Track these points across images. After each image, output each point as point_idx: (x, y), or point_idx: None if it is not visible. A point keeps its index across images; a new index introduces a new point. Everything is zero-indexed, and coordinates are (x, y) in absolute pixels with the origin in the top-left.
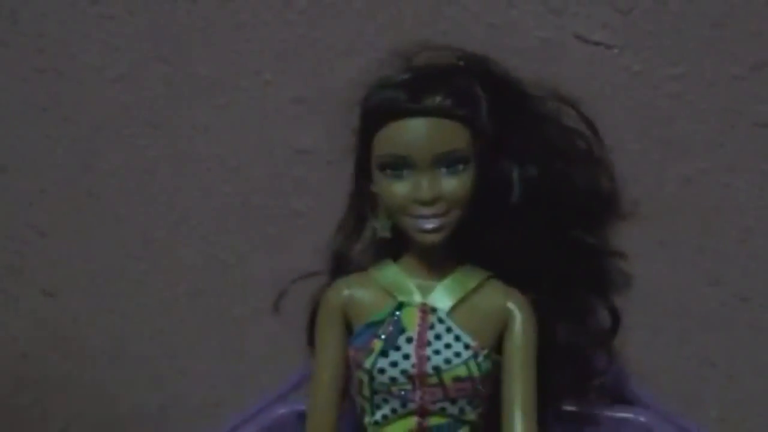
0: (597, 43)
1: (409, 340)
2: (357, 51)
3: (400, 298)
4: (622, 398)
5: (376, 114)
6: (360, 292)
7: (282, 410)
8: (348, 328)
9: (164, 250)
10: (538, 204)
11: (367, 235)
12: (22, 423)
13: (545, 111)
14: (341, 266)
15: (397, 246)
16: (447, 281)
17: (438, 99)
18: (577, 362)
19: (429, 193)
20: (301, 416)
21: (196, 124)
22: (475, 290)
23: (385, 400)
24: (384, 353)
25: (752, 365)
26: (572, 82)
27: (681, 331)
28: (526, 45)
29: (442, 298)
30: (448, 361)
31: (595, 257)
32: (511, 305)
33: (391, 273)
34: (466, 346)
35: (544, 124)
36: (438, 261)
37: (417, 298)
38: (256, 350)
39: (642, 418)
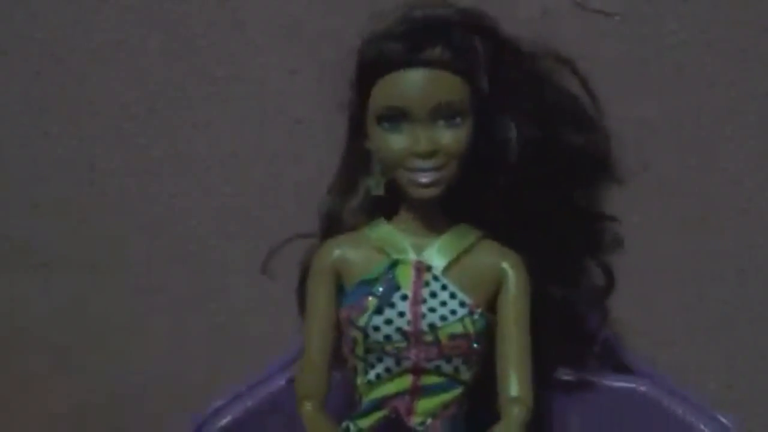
0: (598, 11)
1: (404, 297)
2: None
3: (394, 256)
4: (621, 367)
5: (373, 66)
6: (352, 252)
7: (283, 381)
8: (339, 289)
9: (162, 222)
10: (533, 164)
11: (359, 196)
12: (17, 397)
13: (541, 70)
14: (333, 228)
15: (390, 206)
16: (441, 240)
17: (437, 51)
18: (571, 323)
19: (427, 146)
20: None
21: (193, 96)
22: (469, 249)
23: (379, 359)
24: (379, 310)
25: (751, 337)
26: (572, 49)
27: (678, 303)
28: (526, 13)
29: (436, 256)
30: (443, 318)
31: (589, 219)
32: (505, 265)
33: (385, 231)
34: (462, 304)
35: (541, 83)
36: (432, 219)
37: (411, 255)
38: (257, 323)
39: (642, 387)
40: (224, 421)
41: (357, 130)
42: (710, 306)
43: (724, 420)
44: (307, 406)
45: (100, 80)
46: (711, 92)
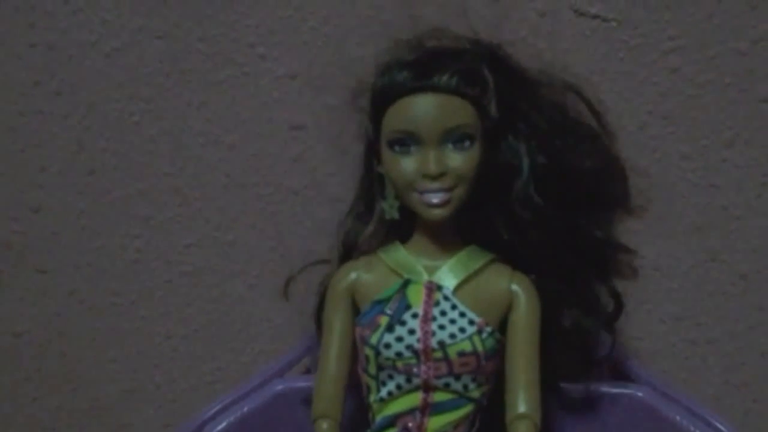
0: (595, 17)
1: (415, 315)
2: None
3: (407, 276)
4: (620, 374)
5: (384, 95)
6: (367, 275)
7: (280, 387)
8: (355, 310)
9: (161, 228)
10: (544, 190)
11: (375, 220)
12: (15, 400)
13: (551, 98)
14: (350, 252)
15: (404, 230)
16: (452, 261)
17: (445, 77)
18: (580, 346)
19: (436, 167)
20: (299, 392)
21: (192, 100)
22: (479, 271)
23: (391, 376)
24: (390, 328)
25: (750, 343)
26: (569, 55)
27: (679, 309)
28: (524, 18)
29: (447, 276)
30: (452, 336)
31: (600, 247)
32: (515, 287)
33: (399, 254)
34: (471, 322)
35: (550, 111)
36: (444, 242)
37: (423, 276)
38: (254, 328)
39: (639, 394)
40: (220, 426)
41: (372, 156)
42: (711, 311)
43: (721, 427)
44: (323, 426)
45: (100, 83)
46: (708, 97)
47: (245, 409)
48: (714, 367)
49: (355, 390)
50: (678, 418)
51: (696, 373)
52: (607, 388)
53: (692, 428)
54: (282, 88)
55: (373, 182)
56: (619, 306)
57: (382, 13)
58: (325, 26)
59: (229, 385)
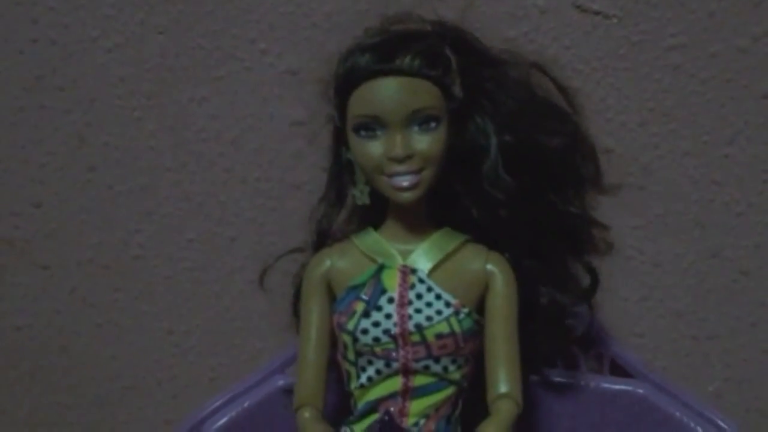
0: (596, 13)
1: (391, 300)
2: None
3: (381, 261)
4: (621, 371)
5: (348, 80)
6: (341, 261)
7: (281, 382)
8: (332, 297)
9: (162, 223)
10: (514, 169)
11: (348, 207)
12: (17, 396)
13: (517, 77)
14: (324, 239)
15: (378, 215)
16: (426, 244)
17: (407, 59)
18: (560, 322)
19: (402, 150)
20: None
21: (193, 95)
22: (454, 252)
23: (370, 362)
24: (366, 314)
25: (751, 340)
26: (571, 51)
27: (680, 306)
28: (525, 14)
29: (421, 259)
30: (429, 319)
31: (573, 223)
32: (490, 267)
33: (372, 239)
34: (447, 304)
35: (516, 89)
36: (417, 225)
37: (397, 260)
38: (255, 324)
39: (640, 390)
40: (221, 422)
41: (340, 143)
42: (712, 308)
43: (722, 424)
44: (305, 414)
45: (101, 78)
46: (710, 94)
47: (246, 404)
48: (715, 364)
49: (337, 379)
50: (679, 414)
51: (697, 369)
52: (607, 385)
53: (693, 425)
54: (283, 84)
55: (342, 169)
56: (595, 280)
57: (384, 9)
58: (326, 22)
59: (230, 380)
